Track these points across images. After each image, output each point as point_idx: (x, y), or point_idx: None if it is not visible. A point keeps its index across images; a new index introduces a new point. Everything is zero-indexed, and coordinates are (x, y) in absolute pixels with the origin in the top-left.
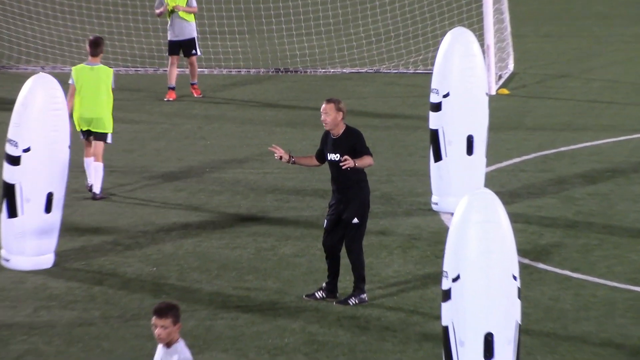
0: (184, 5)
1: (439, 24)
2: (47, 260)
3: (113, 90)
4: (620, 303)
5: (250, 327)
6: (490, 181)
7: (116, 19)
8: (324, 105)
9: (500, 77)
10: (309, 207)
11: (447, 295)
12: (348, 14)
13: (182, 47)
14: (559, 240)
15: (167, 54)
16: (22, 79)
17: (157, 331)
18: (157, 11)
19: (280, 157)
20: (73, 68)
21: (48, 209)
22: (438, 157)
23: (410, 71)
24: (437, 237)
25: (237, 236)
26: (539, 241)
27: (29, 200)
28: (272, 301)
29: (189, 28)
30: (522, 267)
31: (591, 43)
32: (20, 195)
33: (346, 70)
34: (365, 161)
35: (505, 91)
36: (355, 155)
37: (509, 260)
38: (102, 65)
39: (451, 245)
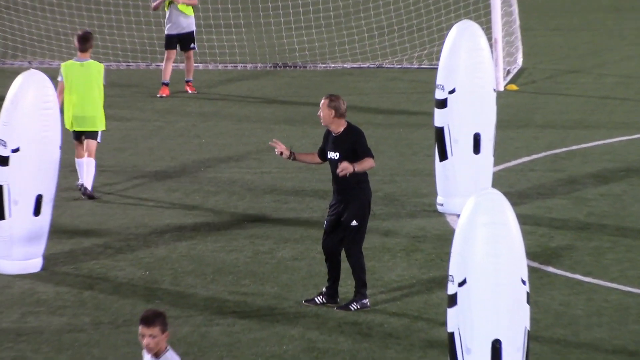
0: None
1: (445, 16)
2: (35, 264)
3: (104, 86)
4: (633, 308)
5: (247, 333)
6: (498, 181)
7: (107, 11)
8: (321, 101)
9: (508, 72)
10: (309, 208)
11: (452, 300)
12: (349, 6)
13: (180, 41)
14: (569, 242)
15: (161, 49)
16: (9, 74)
17: (145, 341)
18: (154, 4)
19: (281, 153)
20: (62, 65)
21: (37, 211)
22: (443, 156)
23: (415, 66)
24: (442, 239)
25: (234, 239)
26: (549, 244)
27: (17, 202)
28: (270, 306)
29: (188, 21)
30: (532, 271)
31: (604, 37)
32: (8, 197)
33: (347, 65)
34: (365, 165)
35: (513, 87)
36: (355, 155)
37: (517, 263)
38: (92, 61)
39: (457, 248)
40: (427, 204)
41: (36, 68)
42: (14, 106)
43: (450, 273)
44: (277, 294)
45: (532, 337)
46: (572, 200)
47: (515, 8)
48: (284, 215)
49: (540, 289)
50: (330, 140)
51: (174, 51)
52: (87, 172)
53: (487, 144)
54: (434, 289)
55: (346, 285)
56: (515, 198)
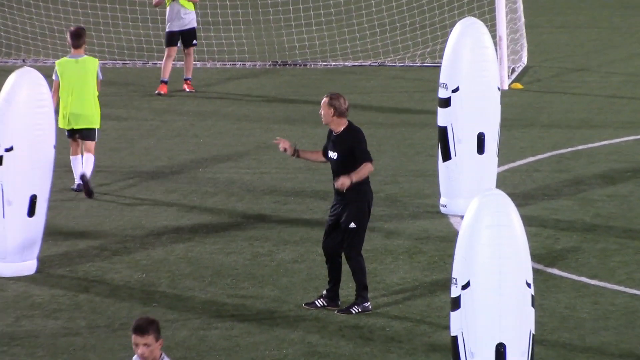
0: None
1: (448, 13)
2: (29, 266)
3: (101, 81)
4: None
5: (246, 337)
6: (503, 182)
7: (102, 8)
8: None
9: (513, 70)
10: (309, 209)
11: (456, 303)
12: (351, 3)
13: (182, 38)
14: (575, 244)
15: (158, 46)
16: (2, 73)
17: (140, 350)
18: (155, 0)
19: (285, 150)
20: (57, 62)
21: (31, 212)
22: (447, 157)
23: (417, 64)
24: (445, 241)
25: (232, 240)
26: (554, 246)
27: (11, 202)
28: (270, 310)
29: (190, 17)
30: (537, 273)
31: (610, 34)
32: (2, 197)
33: (348, 63)
34: (362, 172)
35: (518, 86)
36: (353, 157)
37: (522, 266)
38: (87, 57)
39: (460, 251)
40: (430, 205)
41: (30, 66)
42: (7, 104)
43: (453, 276)
44: (277, 297)
45: (537, 341)
46: (578, 202)
47: (520, 5)
48: (284, 217)
49: (545, 291)
50: (330, 139)
51: (175, 48)
52: (86, 164)
53: (491, 144)
54: (437, 292)
55: (347, 288)
56: (520, 199)
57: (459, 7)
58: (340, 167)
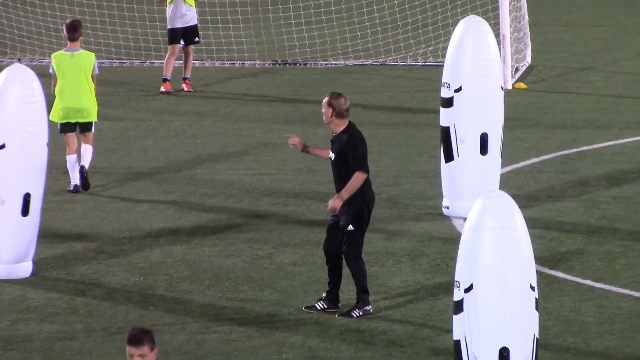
0: None
1: (451, 12)
2: (24, 268)
3: (97, 75)
4: None
5: (245, 341)
6: (506, 183)
7: (99, 6)
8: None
9: (516, 70)
10: (309, 211)
11: (458, 307)
12: (352, 1)
13: (184, 35)
14: (580, 247)
15: (156, 45)
16: None
17: None
18: None
19: (294, 145)
20: (52, 55)
21: (25, 211)
22: (449, 157)
23: (419, 63)
24: (448, 244)
25: (231, 243)
26: (558, 248)
27: (4, 202)
28: (269, 313)
29: (192, 14)
30: (541, 276)
31: (616, 33)
32: None
33: (349, 62)
34: (352, 186)
35: (522, 85)
36: (347, 160)
37: (526, 269)
38: (83, 51)
39: (463, 253)
40: (432, 206)
41: (26, 65)
42: None
43: (456, 279)
44: (277, 300)
45: (541, 345)
46: (582, 203)
47: (523, 3)
48: (284, 219)
49: (549, 295)
50: (331, 139)
51: (178, 46)
52: (84, 156)
53: (495, 145)
54: (440, 295)
55: (348, 291)
56: (524, 201)
57: (461, 5)
58: (336, 169)
